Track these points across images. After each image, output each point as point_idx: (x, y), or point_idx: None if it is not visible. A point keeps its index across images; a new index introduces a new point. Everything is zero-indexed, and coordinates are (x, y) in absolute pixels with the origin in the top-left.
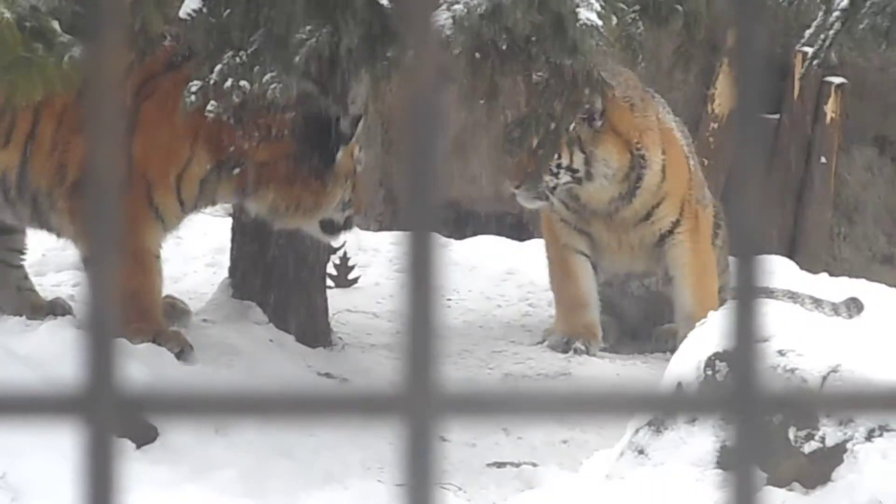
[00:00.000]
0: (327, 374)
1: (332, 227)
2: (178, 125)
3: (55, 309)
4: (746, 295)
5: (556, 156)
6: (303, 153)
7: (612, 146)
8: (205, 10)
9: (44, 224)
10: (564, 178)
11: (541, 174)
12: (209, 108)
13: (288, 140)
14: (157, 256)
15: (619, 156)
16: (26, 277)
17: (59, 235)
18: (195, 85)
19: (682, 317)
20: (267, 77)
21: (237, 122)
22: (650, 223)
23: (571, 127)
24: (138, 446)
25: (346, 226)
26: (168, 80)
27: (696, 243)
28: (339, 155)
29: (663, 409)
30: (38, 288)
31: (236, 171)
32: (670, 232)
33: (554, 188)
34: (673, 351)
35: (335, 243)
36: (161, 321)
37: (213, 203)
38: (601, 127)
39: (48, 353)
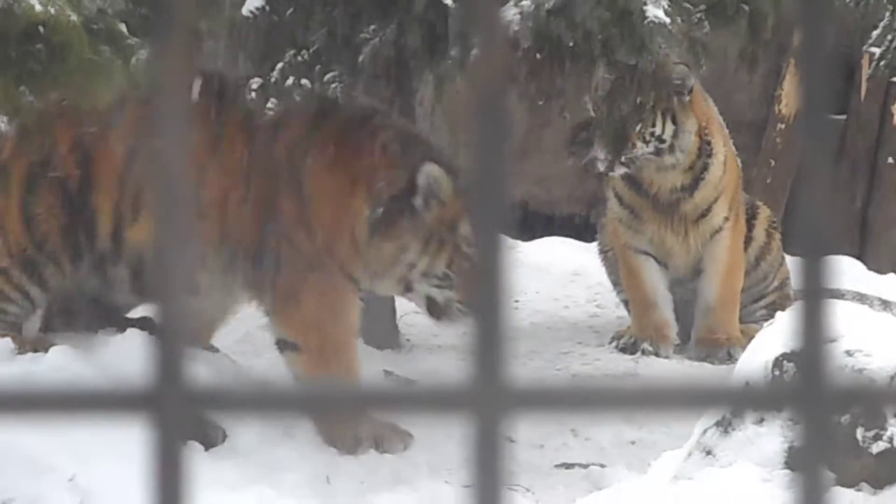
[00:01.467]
0: (395, 376)
1: (432, 305)
2: (346, 189)
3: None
4: (814, 295)
5: (651, 123)
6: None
7: (694, 122)
8: (267, 8)
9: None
10: (651, 146)
11: (633, 139)
12: (269, 105)
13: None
14: (357, 334)
15: (696, 136)
16: None
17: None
18: (256, 82)
19: (702, 308)
20: (328, 76)
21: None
22: (708, 219)
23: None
24: (206, 448)
25: (447, 310)
26: (321, 141)
27: (734, 241)
28: (418, 202)
29: (732, 404)
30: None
31: (380, 210)
32: (720, 228)
33: (639, 156)
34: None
35: (440, 325)
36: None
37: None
38: (688, 102)
39: (123, 360)
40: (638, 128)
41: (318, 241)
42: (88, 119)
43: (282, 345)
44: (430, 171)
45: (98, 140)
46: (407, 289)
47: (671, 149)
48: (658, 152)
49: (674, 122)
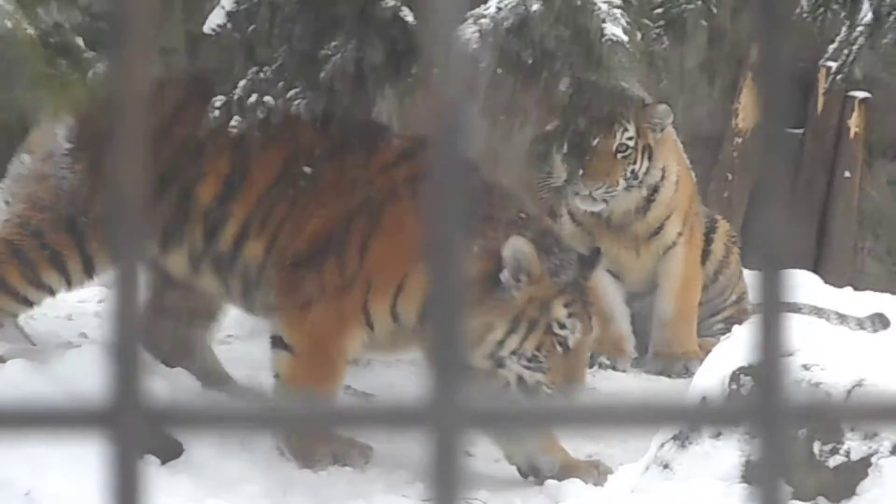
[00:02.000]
0: (352, 390)
1: (521, 385)
2: (412, 237)
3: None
4: (771, 309)
5: (633, 160)
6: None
7: (663, 158)
8: (229, 25)
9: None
10: (627, 182)
11: (619, 177)
12: (232, 123)
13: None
14: (348, 362)
15: (659, 169)
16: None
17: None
18: (219, 100)
19: (658, 323)
20: (291, 93)
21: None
22: (660, 237)
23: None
24: (163, 462)
25: (536, 393)
26: (411, 176)
27: (689, 256)
28: (505, 277)
29: (689, 421)
30: (63, 303)
31: None
32: (673, 244)
33: (618, 193)
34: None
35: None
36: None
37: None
38: (660, 139)
39: (80, 374)
40: (624, 167)
41: (364, 271)
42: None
43: (276, 342)
44: (516, 245)
45: (255, 153)
46: (498, 365)
47: (640, 184)
48: (629, 188)
49: (649, 158)
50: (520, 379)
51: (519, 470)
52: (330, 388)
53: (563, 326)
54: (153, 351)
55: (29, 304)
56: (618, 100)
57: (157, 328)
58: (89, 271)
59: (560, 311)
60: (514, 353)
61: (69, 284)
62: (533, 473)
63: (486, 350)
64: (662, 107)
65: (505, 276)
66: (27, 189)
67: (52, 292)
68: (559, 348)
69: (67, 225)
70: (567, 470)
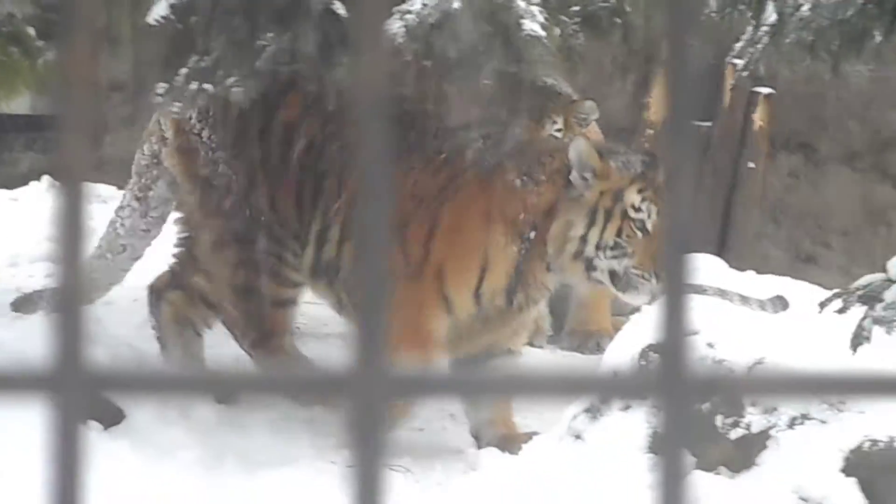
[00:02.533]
0: None
1: (615, 279)
2: (475, 233)
3: None
4: (677, 290)
5: None
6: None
7: None
8: (172, 16)
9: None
10: None
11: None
12: (174, 110)
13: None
14: (441, 346)
15: None
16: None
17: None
18: (162, 87)
19: (576, 303)
20: (229, 81)
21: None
22: None
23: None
24: (105, 427)
25: (628, 280)
26: (470, 182)
27: None
28: (574, 177)
29: (600, 394)
30: (11, 278)
31: (532, 234)
32: None
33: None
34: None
35: (631, 300)
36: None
37: (543, 286)
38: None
39: (27, 343)
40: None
41: (432, 260)
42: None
43: None
44: (577, 145)
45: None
46: (588, 266)
47: None
48: None
49: None
50: (612, 274)
51: (470, 432)
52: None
53: (638, 210)
54: None
55: (296, 303)
56: (546, 95)
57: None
58: (298, 260)
59: (633, 197)
60: (597, 246)
61: (300, 273)
62: (476, 438)
63: (572, 249)
64: (589, 103)
65: (574, 175)
66: (208, 200)
67: (301, 283)
68: (638, 232)
69: (258, 223)
70: (504, 441)
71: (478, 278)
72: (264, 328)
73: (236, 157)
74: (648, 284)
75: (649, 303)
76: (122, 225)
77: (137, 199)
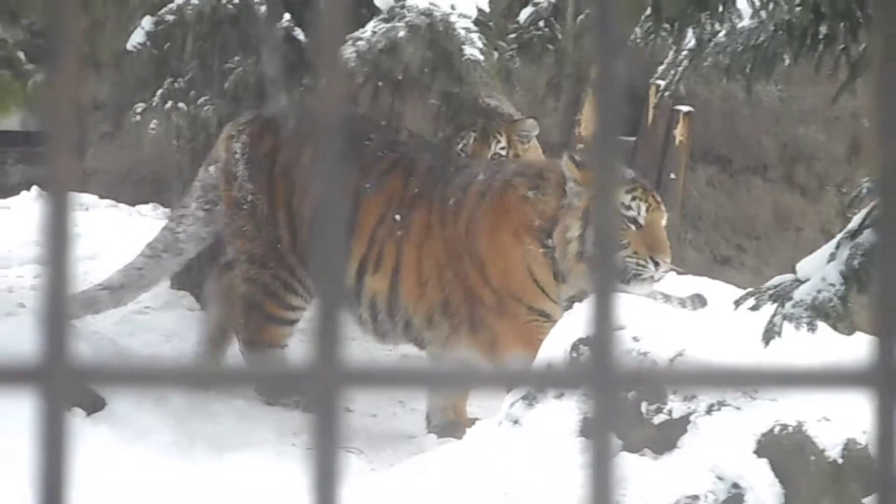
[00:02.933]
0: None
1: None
2: (510, 239)
3: None
4: (605, 288)
5: None
6: None
7: None
8: (148, 43)
9: (417, 342)
10: None
11: None
12: (151, 127)
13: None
14: None
15: None
16: None
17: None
18: (140, 107)
19: None
20: (201, 101)
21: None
22: None
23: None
24: (88, 414)
25: (627, 271)
26: (485, 207)
27: None
28: (568, 187)
29: (536, 384)
30: (3, 279)
31: (550, 241)
32: None
33: None
34: None
35: (637, 291)
36: None
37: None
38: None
39: (17, 338)
40: None
41: (500, 291)
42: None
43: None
44: (563, 160)
45: (368, 196)
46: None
47: None
48: None
49: None
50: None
51: (425, 416)
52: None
53: (628, 208)
54: None
55: (292, 324)
56: (489, 115)
57: None
58: (308, 289)
59: (622, 197)
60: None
61: (305, 299)
62: (427, 421)
63: (573, 250)
64: (530, 121)
65: (568, 185)
66: (235, 222)
67: (301, 308)
68: (631, 226)
69: (273, 250)
70: (451, 427)
71: (536, 285)
72: (260, 338)
73: (262, 191)
74: (647, 271)
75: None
76: (185, 231)
77: (204, 210)
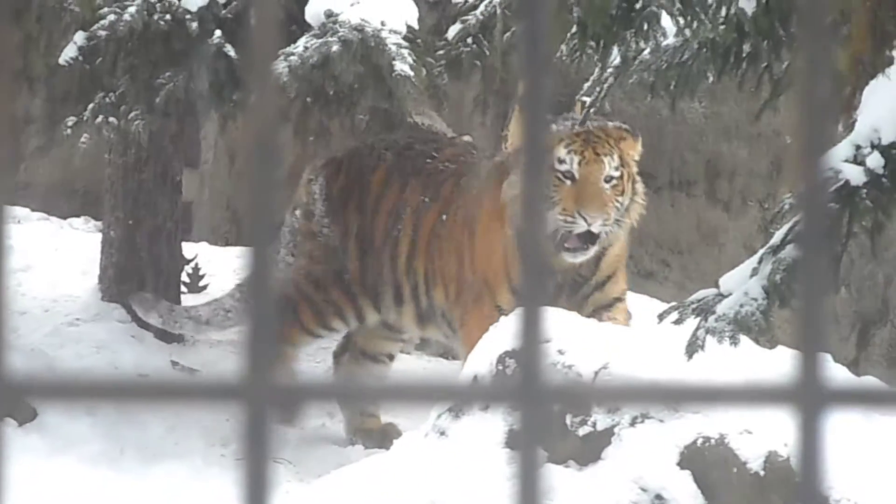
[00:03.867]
0: (180, 366)
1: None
2: (501, 225)
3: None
4: (532, 302)
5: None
6: None
7: None
8: (80, 57)
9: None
10: None
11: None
12: (82, 141)
13: None
14: None
15: None
16: None
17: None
18: (71, 120)
19: None
20: (132, 115)
21: None
22: None
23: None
24: (20, 424)
25: (559, 231)
26: (488, 187)
27: None
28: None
29: (463, 397)
30: None
31: None
32: None
33: None
34: None
35: (569, 261)
36: None
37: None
38: None
39: None
40: None
41: (479, 277)
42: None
43: None
44: None
45: (425, 209)
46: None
47: None
48: None
49: None
50: (555, 229)
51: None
52: None
53: (562, 162)
54: None
55: (316, 338)
56: (406, 127)
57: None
58: (361, 319)
59: (559, 152)
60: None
61: (348, 327)
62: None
63: (515, 208)
64: (465, 138)
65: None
66: (305, 246)
67: (335, 332)
68: (565, 181)
69: (338, 279)
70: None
71: (508, 273)
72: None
73: (336, 223)
74: (577, 227)
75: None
76: (275, 276)
77: (293, 255)
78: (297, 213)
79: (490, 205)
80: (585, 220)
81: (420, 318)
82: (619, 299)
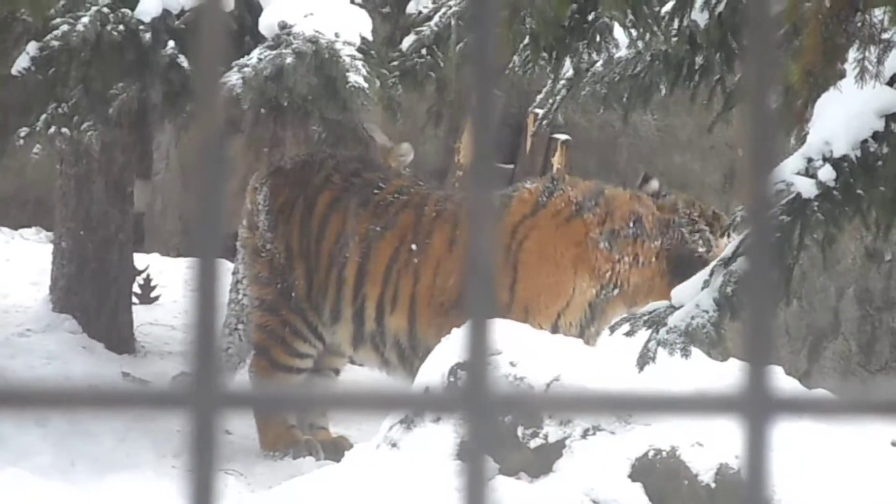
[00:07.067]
0: (130, 376)
1: None
2: (560, 264)
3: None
4: (482, 314)
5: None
6: (673, 276)
7: None
8: (33, 68)
9: None
10: None
11: None
12: (34, 151)
13: (657, 266)
14: None
15: None
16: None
17: None
18: (24, 131)
19: None
20: (84, 126)
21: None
22: None
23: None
24: None
25: None
26: (539, 220)
27: None
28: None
29: (414, 408)
30: None
31: (615, 291)
32: None
33: None
34: None
35: None
36: None
37: (607, 320)
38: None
39: None
40: None
41: (518, 300)
42: (376, 217)
43: None
44: None
45: (378, 237)
46: None
47: None
48: None
49: None
50: None
51: None
52: None
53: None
54: None
55: (300, 372)
56: (365, 143)
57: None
58: (316, 335)
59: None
60: None
61: (314, 347)
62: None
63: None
64: (405, 145)
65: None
66: (254, 268)
67: (310, 356)
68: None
69: (286, 297)
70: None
71: (558, 313)
72: (265, 376)
73: (280, 240)
74: None
75: None
76: (247, 295)
77: (248, 286)
78: (244, 222)
79: (541, 247)
80: None
81: (355, 339)
82: None
